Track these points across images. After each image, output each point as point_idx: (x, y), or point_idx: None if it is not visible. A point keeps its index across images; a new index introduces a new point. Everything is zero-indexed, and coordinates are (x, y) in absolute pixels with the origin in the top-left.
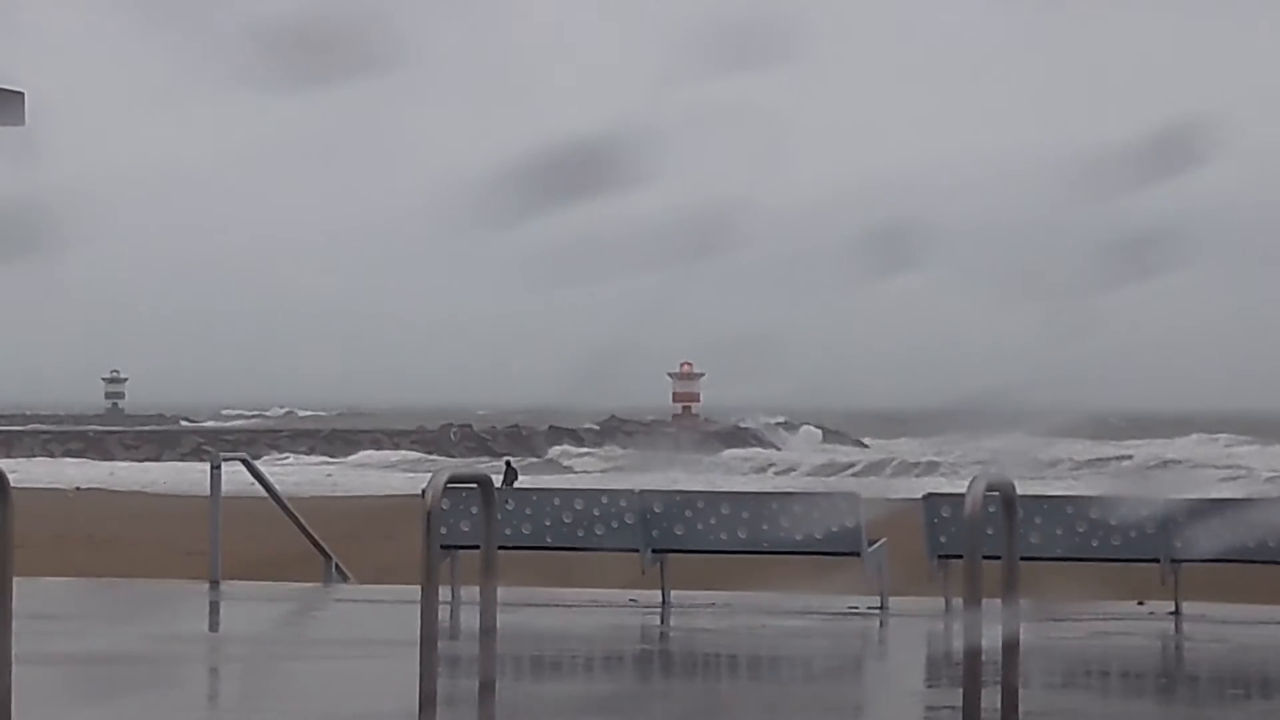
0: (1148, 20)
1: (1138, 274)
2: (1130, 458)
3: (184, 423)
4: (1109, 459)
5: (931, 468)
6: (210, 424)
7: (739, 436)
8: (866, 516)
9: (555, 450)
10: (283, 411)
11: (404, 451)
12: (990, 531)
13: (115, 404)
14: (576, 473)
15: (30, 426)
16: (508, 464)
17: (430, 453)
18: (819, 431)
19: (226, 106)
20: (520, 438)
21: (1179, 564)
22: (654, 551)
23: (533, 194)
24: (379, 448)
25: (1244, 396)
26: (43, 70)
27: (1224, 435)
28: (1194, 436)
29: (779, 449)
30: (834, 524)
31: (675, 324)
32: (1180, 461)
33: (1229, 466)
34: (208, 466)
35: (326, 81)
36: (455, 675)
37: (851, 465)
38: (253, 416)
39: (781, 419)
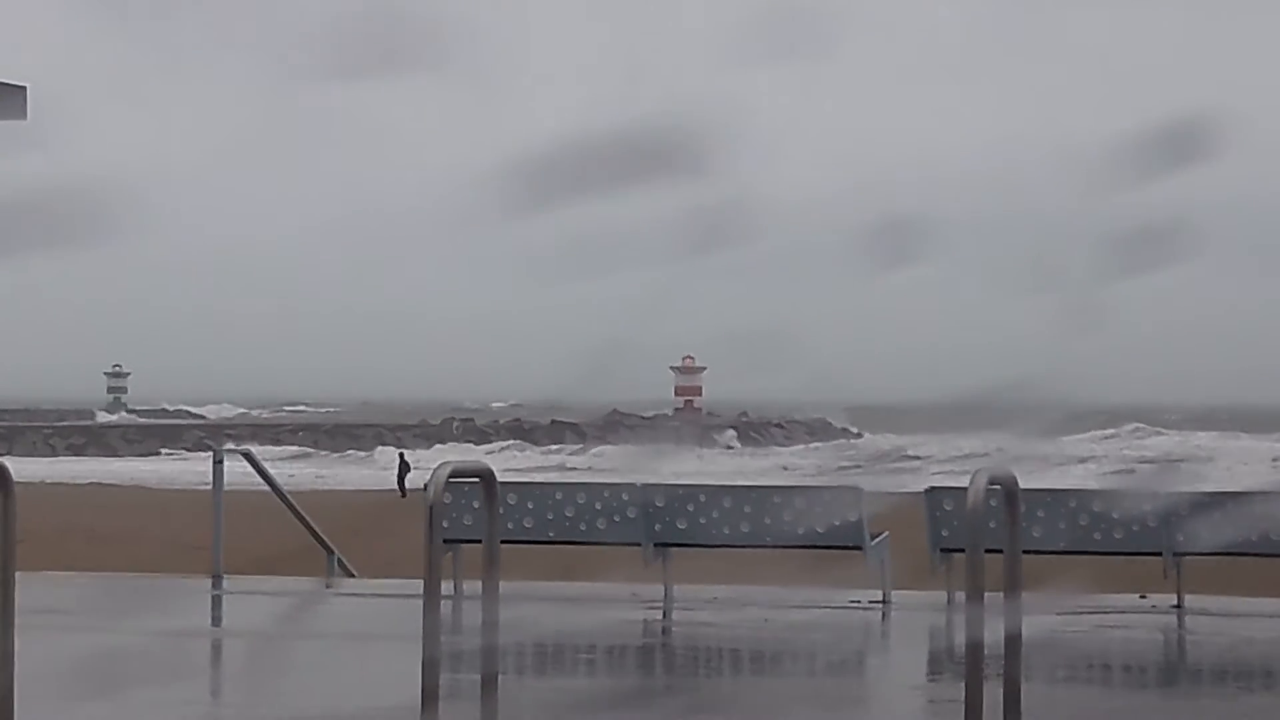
0: (1155, 12)
1: (1146, 267)
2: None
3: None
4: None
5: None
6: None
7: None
8: (868, 510)
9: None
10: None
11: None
12: (992, 525)
13: (117, 399)
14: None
15: (33, 422)
16: (400, 456)
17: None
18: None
19: (231, 102)
20: (522, 431)
21: (1181, 557)
22: (656, 545)
23: (536, 190)
24: (382, 442)
25: (1251, 391)
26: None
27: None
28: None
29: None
30: (836, 518)
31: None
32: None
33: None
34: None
35: (333, 78)
36: (458, 670)
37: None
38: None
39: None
